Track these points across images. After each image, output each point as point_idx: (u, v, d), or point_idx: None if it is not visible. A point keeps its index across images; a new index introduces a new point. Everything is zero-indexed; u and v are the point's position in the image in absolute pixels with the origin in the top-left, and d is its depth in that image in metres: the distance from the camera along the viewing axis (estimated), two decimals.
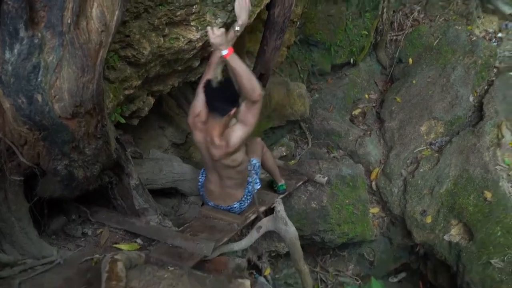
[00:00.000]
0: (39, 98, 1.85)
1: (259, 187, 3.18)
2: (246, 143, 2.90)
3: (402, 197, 4.42)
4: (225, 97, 2.63)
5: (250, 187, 3.08)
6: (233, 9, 2.69)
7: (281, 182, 3.67)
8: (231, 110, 2.66)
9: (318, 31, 5.09)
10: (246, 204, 3.12)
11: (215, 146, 2.71)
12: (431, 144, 4.64)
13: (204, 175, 3.14)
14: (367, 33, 5.34)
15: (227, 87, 2.62)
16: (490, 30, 5.48)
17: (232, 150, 2.70)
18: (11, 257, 2.31)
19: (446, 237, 4.05)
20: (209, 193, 3.10)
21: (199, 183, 3.20)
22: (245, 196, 3.08)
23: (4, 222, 2.30)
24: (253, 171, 3.16)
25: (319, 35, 5.13)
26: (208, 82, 2.66)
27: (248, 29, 3.98)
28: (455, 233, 4.04)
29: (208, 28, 2.47)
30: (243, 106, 2.60)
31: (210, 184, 3.04)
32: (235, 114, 2.72)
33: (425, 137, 4.68)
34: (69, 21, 1.79)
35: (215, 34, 2.41)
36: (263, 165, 3.42)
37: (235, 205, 3.07)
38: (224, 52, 2.43)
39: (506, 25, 5.44)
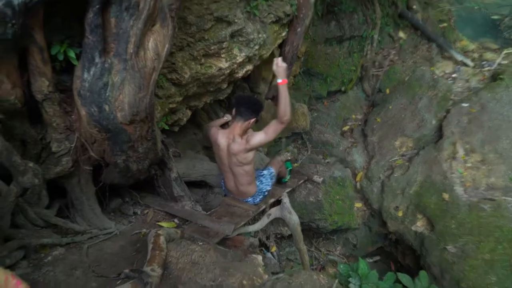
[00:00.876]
0: (107, 108, 1.86)
1: (269, 189, 3.14)
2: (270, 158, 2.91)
3: (380, 195, 4.36)
4: (251, 107, 2.68)
5: (261, 185, 3.05)
6: (254, 44, 2.69)
7: (286, 178, 3.69)
8: (251, 119, 2.69)
9: (318, 65, 5.10)
10: (258, 199, 3.08)
11: (235, 142, 2.69)
12: (403, 155, 4.57)
13: (223, 180, 3.11)
14: (354, 68, 5.33)
15: (255, 101, 2.73)
16: (447, 71, 5.44)
17: (249, 148, 2.67)
18: (82, 227, 2.33)
19: (413, 228, 3.96)
20: (229, 191, 3.08)
21: (222, 183, 3.18)
22: (257, 193, 3.05)
23: (77, 200, 2.32)
24: (268, 176, 3.16)
25: (318, 68, 5.14)
26: (241, 94, 2.70)
27: (264, 61, 3.99)
28: (420, 225, 3.95)
29: (275, 58, 2.47)
30: (273, 122, 2.56)
31: (228, 185, 3.00)
32: (252, 124, 2.73)
33: (399, 150, 4.62)
34: (131, 51, 1.80)
35: (278, 65, 2.44)
36: (278, 173, 3.43)
37: (249, 199, 3.05)
38: (279, 81, 2.43)
39: (459, 68, 5.43)
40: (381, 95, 5.42)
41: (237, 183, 2.93)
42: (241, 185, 2.93)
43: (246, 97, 2.81)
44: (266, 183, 3.13)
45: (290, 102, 2.47)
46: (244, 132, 2.72)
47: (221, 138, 2.77)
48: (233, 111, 2.75)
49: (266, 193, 3.14)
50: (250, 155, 2.74)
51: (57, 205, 2.32)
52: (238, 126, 2.70)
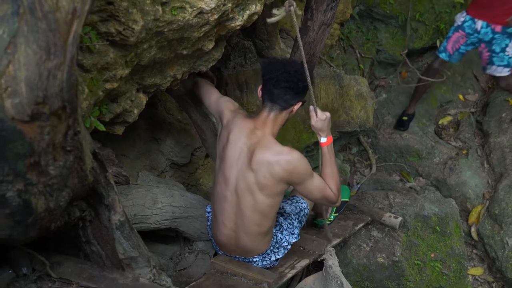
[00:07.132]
0: None
1: (294, 241, 3.18)
2: None
3: None
4: (292, 81, 2.74)
5: (279, 235, 3.09)
6: None
7: (328, 217, 3.75)
8: (295, 104, 2.80)
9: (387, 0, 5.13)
10: (272, 259, 3.11)
11: (264, 146, 2.78)
12: None
13: (210, 220, 3.17)
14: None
15: (296, 68, 2.77)
16: None
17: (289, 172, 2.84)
18: None
19: None
20: (218, 242, 3.12)
21: (208, 223, 3.22)
22: (271, 248, 3.08)
23: None
24: (294, 216, 3.21)
25: (388, 6, 5.17)
26: (271, 58, 3.00)
27: None
28: None
29: (312, 107, 2.80)
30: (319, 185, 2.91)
31: (220, 231, 3.04)
32: (295, 113, 2.88)
33: None
34: None
35: (319, 118, 2.79)
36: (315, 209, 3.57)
37: (255, 259, 3.08)
38: (323, 140, 2.86)
39: None
40: None
41: (240, 229, 2.95)
42: (247, 234, 2.94)
43: (282, 63, 2.88)
44: (290, 230, 3.17)
45: (338, 172, 2.94)
46: (278, 129, 2.87)
47: (239, 129, 2.85)
48: (259, 89, 2.89)
49: (289, 246, 3.17)
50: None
51: None
52: (270, 119, 2.82)
